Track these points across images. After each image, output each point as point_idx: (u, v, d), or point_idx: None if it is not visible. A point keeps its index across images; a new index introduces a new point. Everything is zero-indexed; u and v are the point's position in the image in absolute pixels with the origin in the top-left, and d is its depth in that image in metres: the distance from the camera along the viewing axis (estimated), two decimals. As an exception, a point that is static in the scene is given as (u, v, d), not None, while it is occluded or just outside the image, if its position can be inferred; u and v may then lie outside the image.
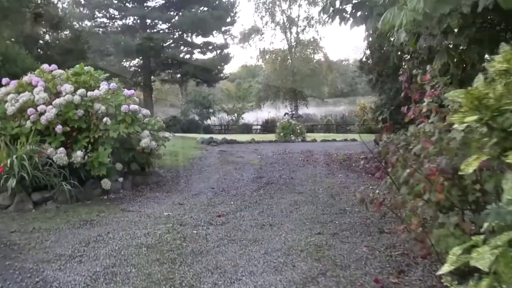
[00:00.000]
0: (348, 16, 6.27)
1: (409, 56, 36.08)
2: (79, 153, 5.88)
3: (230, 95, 49.50)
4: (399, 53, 34.94)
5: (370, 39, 38.00)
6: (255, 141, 16.29)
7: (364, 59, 37.27)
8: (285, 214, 5.14)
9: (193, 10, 21.03)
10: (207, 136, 14.74)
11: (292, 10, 37.11)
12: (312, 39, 36.51)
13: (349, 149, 13.22)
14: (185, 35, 23.21)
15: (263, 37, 37.87)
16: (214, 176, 7.78)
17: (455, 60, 6.63)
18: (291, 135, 18.24)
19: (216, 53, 23.94)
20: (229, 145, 13.82)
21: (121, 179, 6.49)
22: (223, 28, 23.81)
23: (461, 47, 6.52)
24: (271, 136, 21.31)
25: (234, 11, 23.90)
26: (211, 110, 44.47)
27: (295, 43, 37.05)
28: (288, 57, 37.46)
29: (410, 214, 3.15)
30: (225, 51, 24.13)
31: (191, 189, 6.69)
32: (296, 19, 36.83)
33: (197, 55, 24.12)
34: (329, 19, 6.53)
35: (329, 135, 30.41)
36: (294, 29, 37.09)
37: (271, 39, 38.14)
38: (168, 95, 57.69)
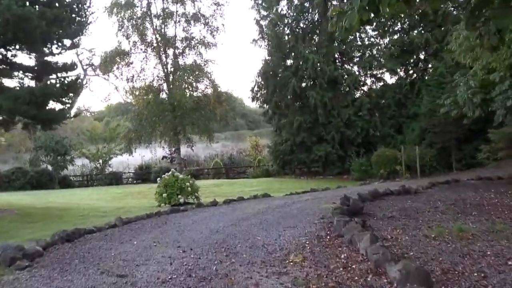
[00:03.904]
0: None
1: (312, 83, 29.70)
2: None
3: (92, 137, 40.56)
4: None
5: (263, 63, 28.72)
6: (124, 221, 8.81)
7: (256, 88, 31.65)
8: None
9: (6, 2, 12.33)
10: (14, 242, 6.60)
11: (168, 29, 29.89)
12: (194, 64, 29.57)
13: (283, 224, 7.40)
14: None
15: (131, 62, 29.89)
16: None
17: None
18: (179, 196, 12.85)
19: (57, 77, 15.22)
20: (64, 254, 5.95)
21: None
22: (66, 41, 15.18)
23: None
24: (149, 194, 15.38)
25: (85, 12, 15.61)
26: (68, 157, 35.66)
27: (172, 68, 29.67)
28: (165, 87, 29.91)
29: None
30: (73, 74, 15.61)
31: None
32: (173, 39, 29.71)
33: (26, 81, 15.14)
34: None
35: (222, 184, 23.58)
36: (170, 52, 29.84)
37: (141, 64, 30.37)
38: (22, 139, 48.06)
